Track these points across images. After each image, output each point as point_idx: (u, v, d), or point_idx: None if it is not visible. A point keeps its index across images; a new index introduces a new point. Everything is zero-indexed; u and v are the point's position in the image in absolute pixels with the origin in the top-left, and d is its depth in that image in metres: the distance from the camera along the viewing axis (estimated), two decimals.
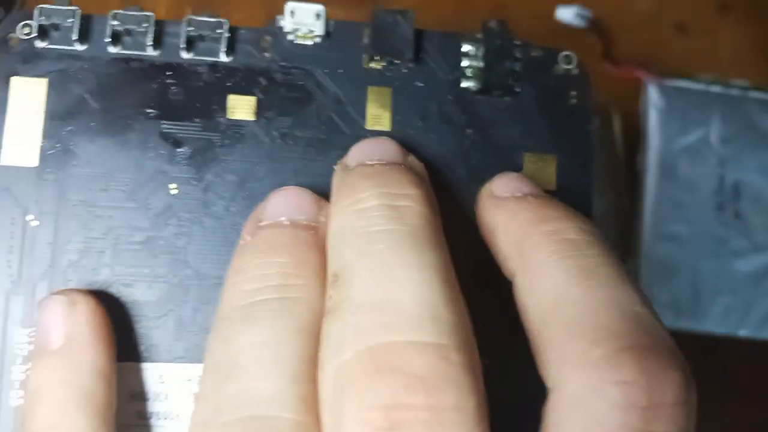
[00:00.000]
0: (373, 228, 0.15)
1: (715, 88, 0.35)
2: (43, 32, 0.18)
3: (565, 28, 0.35)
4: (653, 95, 0.34)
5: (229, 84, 0.19)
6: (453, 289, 0.15)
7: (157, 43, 0.19)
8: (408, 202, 0.16)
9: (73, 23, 0.18)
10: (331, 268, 0.15)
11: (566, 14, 0.33)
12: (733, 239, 0.33)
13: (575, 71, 0.20)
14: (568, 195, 0.18)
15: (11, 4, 0.28)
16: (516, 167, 0.19)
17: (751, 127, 0.34)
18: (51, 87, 0.18)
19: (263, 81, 0.19)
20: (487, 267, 0.18)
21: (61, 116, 0.18)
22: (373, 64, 0.19)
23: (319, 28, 0.19)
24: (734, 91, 0.35)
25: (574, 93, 0.20)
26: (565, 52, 0.20)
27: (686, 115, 0.34)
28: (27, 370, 0.18)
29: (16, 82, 0.18)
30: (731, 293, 0.33)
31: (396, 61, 0.19)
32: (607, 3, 0.35)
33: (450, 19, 0.20)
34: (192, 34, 0.19)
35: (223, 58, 0.19)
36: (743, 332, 0.33)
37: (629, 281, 0.16)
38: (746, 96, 0.35)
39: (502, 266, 0.17)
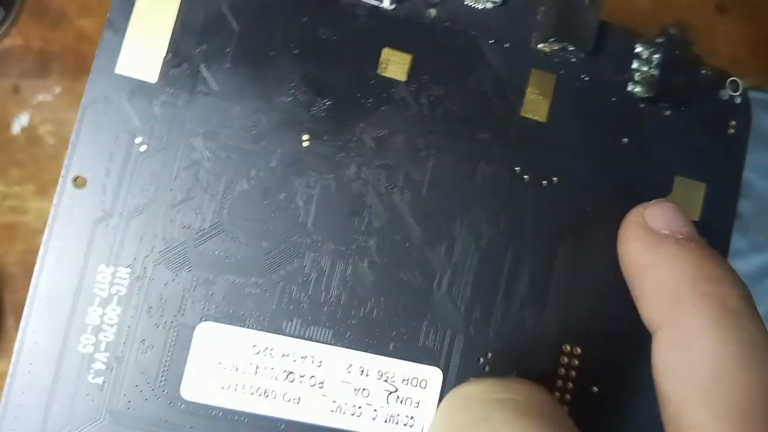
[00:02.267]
0: (488, 395, 0.15)
1: None
2: None
3: None
4: None
5: (386, 35, 0.17)
6: None
7: None
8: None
9: None
10: None
11: None
12: (733, 239, 0.32)
13: (739, 99, 0.19)
14: (708, 230, 0.17)
15: (11, 4, 0.26)
16: (664, 189, 0.18)
17: None
18: None
19: (423, 39, 0.17)
20: (615, 286, 0.17)
21: (194, 31, 0.16)
22: (542, 46, 0.17)
23: None
24: None
25: (734, 122, 0.18)
26: (732, 78, 0.19)
27: None
28: (104, 315, 0.15)
29: None
30: None
31: (570, 48, 0.17)
32: (607, 3, 0.35)
33: None
34: None
35: (386, 4, 0.17)
36: None
37: None
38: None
39: (643, 309, 0.16)
